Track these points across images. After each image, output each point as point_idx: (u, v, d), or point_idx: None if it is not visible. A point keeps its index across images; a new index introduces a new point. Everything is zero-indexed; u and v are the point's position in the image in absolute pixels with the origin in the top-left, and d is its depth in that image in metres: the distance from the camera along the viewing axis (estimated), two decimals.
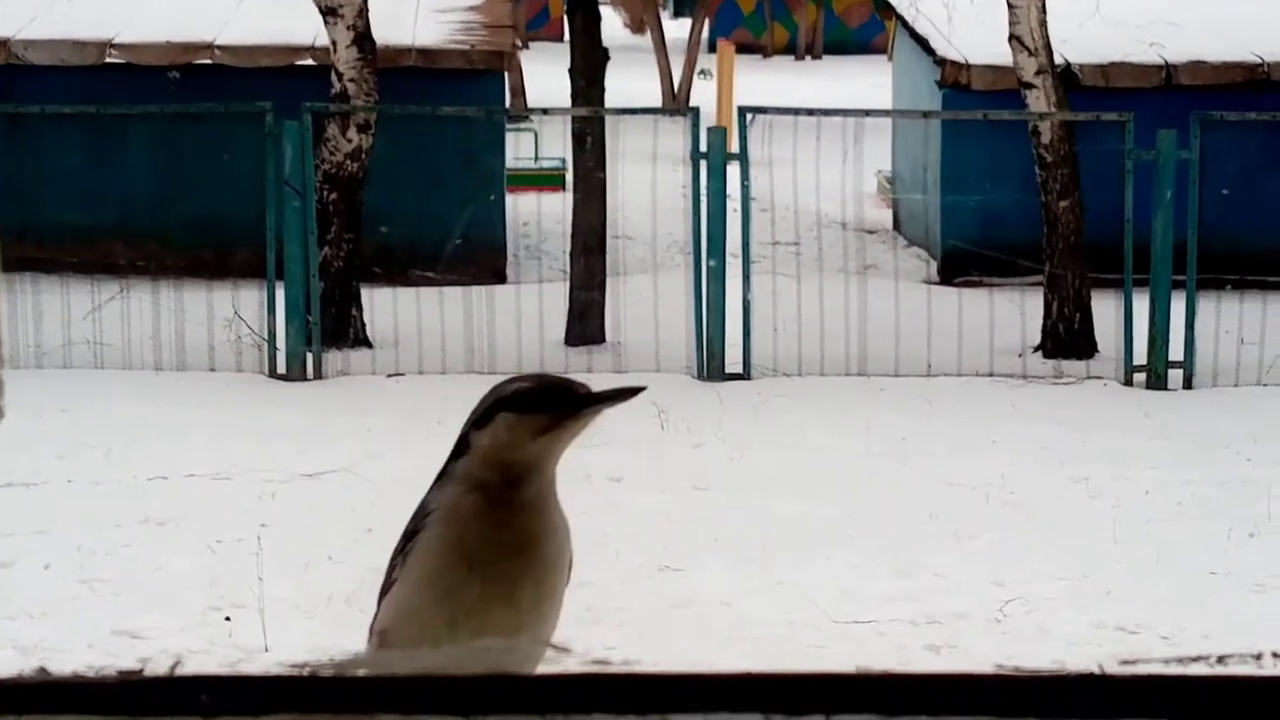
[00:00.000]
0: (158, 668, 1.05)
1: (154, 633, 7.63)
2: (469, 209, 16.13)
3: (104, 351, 13.56)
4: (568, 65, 14.94)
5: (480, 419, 3.29)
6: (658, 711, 1.04)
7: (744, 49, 39.76)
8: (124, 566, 8.53)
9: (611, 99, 15.36)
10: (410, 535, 3.32)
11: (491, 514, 3.22)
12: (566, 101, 15.11)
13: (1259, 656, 1.11)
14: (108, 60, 17.65)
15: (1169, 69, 17.95)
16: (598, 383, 11.74)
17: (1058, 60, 15.14)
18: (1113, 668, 1.10)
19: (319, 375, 13.42)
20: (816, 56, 46.97)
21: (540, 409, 3.26)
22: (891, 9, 20.72)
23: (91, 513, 9.40)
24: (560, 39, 37.29)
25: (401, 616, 3.27)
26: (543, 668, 1.09)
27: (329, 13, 14.24)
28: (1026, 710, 1.03)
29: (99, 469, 10.28)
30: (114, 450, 10.68)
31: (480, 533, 3.21)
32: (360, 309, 14.32)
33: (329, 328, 13.77)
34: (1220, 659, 1.20)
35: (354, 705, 1.00)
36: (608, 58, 14.98)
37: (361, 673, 1.04)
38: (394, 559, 3.35)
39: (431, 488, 3.39)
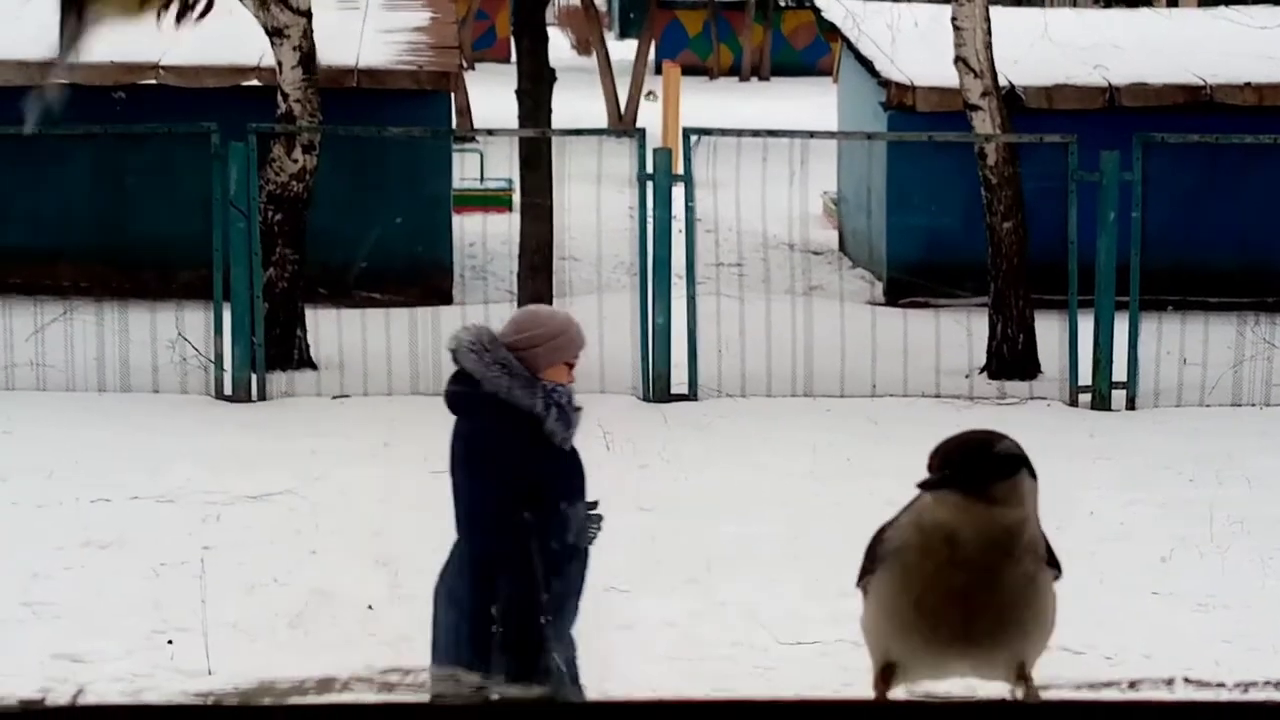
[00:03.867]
0: (59, 697, 1.05)
1: (96, 656, 7.59)
2: (376, 230, 16.03)
3: (47, 373, 13.47)
4: (514, 86, 14.93)
5: (992, 469, 2.96)
6: None
7: (690, 71, 39.79)
8: (66, 590, 8.49)
9: (558, 120, 15.36)
10: (871, 558, 3.16)
11: (945, 559, 2.99)
12: (512, 122, 15.11)
13: (1170, 681, 1.11)
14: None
15: (1112, 91, 18.03)
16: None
17: (1002, 82, 15.19)
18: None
19: (263, 397, 13.36)
20: (763, 78, 47.03)
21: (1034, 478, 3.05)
22: (837, 31, 20.77)
23: (34, 536, 9.35)
24: (507, 60, 37.26)
25: (871, 639, 3.17)
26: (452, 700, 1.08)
27: (275, 33, 14.20)
28: None
29: (42, 491, 10.22)
30: (57, 473, 10.62)
31: (929, 581, 2.99)
32: (305, 330, 14.26)
33: (273, 349, 13.72)
34: (1132, 684, 1.20)
35: None
36: (554, 79, 14.99)
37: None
38: (861, 573, 3.20)
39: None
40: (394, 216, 17.23)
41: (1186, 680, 1.26)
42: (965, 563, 2.90)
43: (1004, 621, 2.93)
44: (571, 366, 6.04)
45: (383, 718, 1.02)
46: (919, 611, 2.92)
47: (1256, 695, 1.17)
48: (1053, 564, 3.15)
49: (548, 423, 5.81)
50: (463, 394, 5.90)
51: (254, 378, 13.38)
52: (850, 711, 1.05)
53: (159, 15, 2.13)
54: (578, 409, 5.97)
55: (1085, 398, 13.47)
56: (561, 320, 6.12)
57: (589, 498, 6.10)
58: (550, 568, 5.84)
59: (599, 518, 6.13)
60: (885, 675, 3.02)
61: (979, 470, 2.86)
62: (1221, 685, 1.25)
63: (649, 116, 30.27)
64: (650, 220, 13.68)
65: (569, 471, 6.00)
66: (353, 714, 1.03)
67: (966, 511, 2.90)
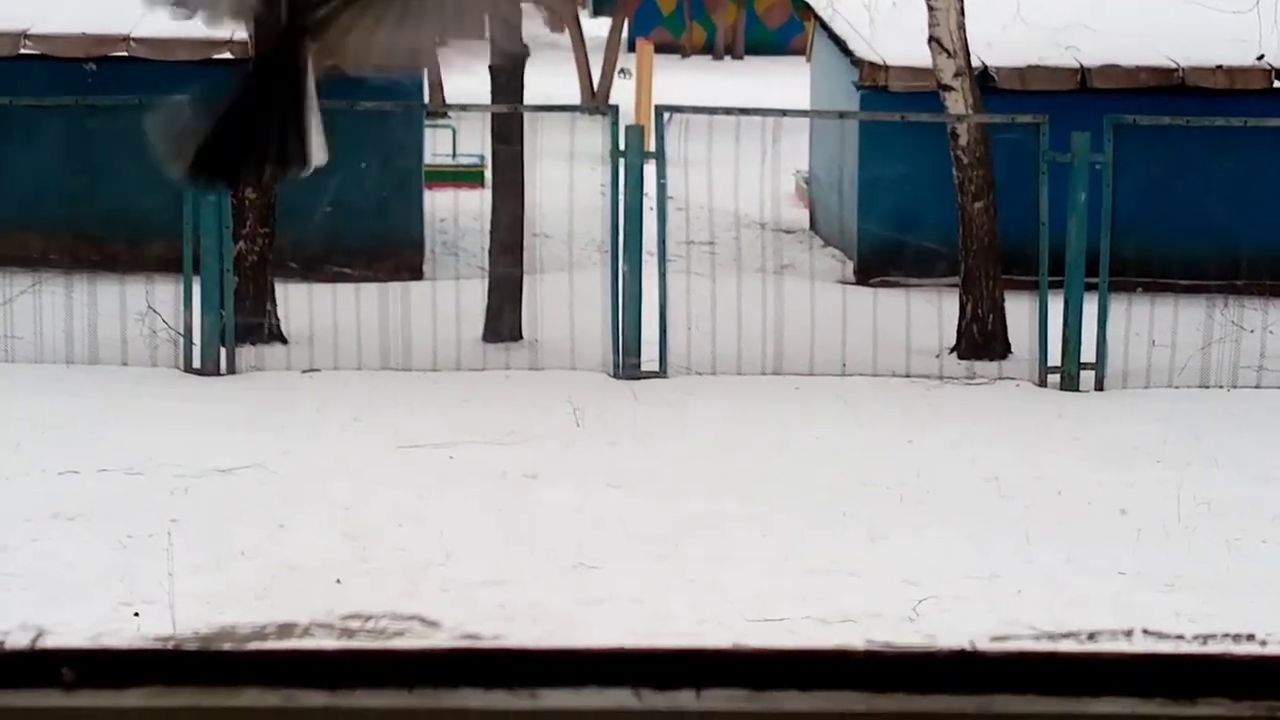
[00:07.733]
0: (19, 641, 1.04)
1: (63, 628, 7.56)
2: (334, 180, 15.95)
3: (15, 345, 13.44)
4: (487, 62, 14.88)
5: None
6: (526, 686, 1.02)
7: (663, 49, 39.75)
8: (33, 561, 8.47)
9: (531, 96, 15.32)
10: None
11: None
12: (484, 98, 15.06)
13: (1129, 633, 1.11)
14: (22, 52, 17.49)
15: (1084, 72, 18.05)
16: (515, 380, 11.67)
17: (975, 63, 15.20)
18: (984, 644, 1.10)
19: (233, 370, 13.34)
20: (737, 57, 47.02)
21: None
22: (810, 10, 20.75)
23: (1, 507, 9.32)
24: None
25: None
26: (411, 642, 1.08)
27: None
28: (897, 685, 1.03)
29: (9, 463, 10.19)
30: (24, 444, 10.59)
31: None
32: (275, 304, 14.22)
33: (243, 323, 13.68)
34: (1091, 635, 1.20)
35: (218, 678, 0.99)
36: (527, 55, 14.94)
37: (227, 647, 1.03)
38: None
39: None
40: (366, 192, 17.20)
41: (1145, 632, 1.27)
42: None
43: None
44: None
45: (342, 663, 1.02)
46: None
47: (1215, 648, 1.18)
48: None
49: None
50: None
51: (223, 351, 13.36)
52: (812, 663, 1.05)
53: None
54: None
55: (1054, 378, 13.49)
56: None
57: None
58: None
59: None
60: None
61: None
62: (1180, 637, 1.26)
63: (622, 94, 30.21)
64: (622, 198, 13.67)
65: None
66: (312, 659, 1.03)
67: None
